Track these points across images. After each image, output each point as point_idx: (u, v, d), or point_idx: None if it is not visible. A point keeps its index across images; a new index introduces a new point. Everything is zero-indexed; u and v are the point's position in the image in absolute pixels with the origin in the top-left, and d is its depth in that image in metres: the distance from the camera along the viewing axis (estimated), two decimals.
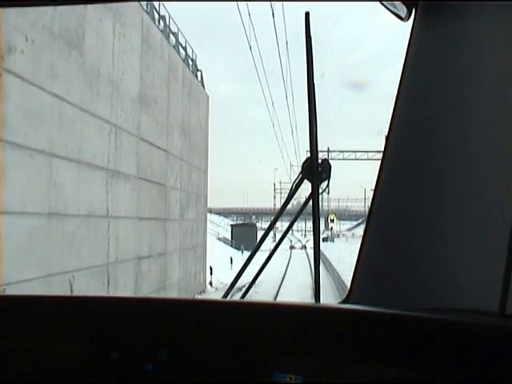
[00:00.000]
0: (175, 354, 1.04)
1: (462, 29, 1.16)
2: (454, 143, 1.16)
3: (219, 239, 40.42)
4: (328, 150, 37.11)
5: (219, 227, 51.47)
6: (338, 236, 49.19)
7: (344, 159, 39.07)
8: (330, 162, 1.29)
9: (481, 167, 1.12)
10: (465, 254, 1.12)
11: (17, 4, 1.24)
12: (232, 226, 44.15)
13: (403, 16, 1.26)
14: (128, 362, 1.05)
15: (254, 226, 44.24)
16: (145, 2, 11.35)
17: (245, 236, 36.53)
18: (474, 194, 1.12)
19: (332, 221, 45.48)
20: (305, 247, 43.62)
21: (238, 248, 34.76)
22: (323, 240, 46.79)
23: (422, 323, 0.99)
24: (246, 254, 29.12)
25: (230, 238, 39.90)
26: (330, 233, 47.57)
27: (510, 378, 0.87)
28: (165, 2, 12.78)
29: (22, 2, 1.24)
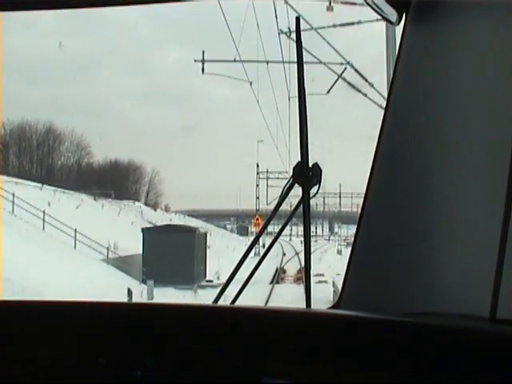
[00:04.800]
0: (164, 360, 1.10)
1: (452, 32, 1.25)
2: (445, 146, 1.23)
3: (116, 264, 19.63)
4: None
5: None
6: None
7: None
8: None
9: (470, 171, 1.19)
10: (455, 259, 1.20)
11: (17, 8, 1.30)
12: (143, 230, 21.35)
13: (393, 21, 1.34)
14: (116, 368, 1.11)
15: (193, 231, 21.83)
16: None
17: (168, 254, 17.85)
18: (463, 199, 1.20)
19: None
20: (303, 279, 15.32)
21: (144, 281, 17.10)
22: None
23: (412, 329, 1.06)
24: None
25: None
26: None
27: (499, 382, 0.94)
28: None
29: (22, 6, 1.29)
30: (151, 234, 20.66)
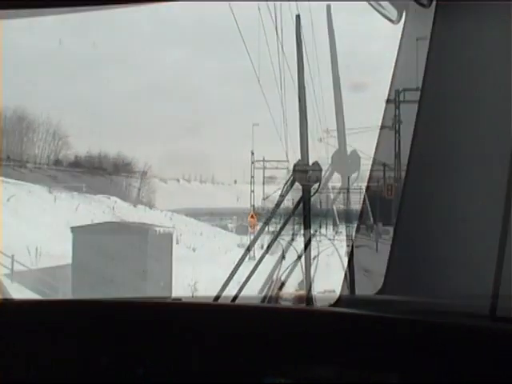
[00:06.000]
0: (166, 358, 1.13)
1: (452, 31, 1.26)
2: (444, 146, 1.25)
3: (26, 282, 10.53)
4: None
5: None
6: None
7: None
8: None
9: (469, 172, 1.22)
10: (456, 259, 1.22)
11: (14, 5, 1.33)
12: (72, 229, 11.60)
13: (394, 19, 1.35)
14: (119, 366, 1.14)
15: (144, 231, 12.87)
16: None
17: (109, 263, 10.33)
18: (464, 201, 1.22)
19: None
20: None
21: None
22: None
23: (413, 326, 1.09)
24: None
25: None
26: None
27: (500, 379, 0.96)
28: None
29: (19, 3, 1.32)
30: (84, 235, 13.14)
